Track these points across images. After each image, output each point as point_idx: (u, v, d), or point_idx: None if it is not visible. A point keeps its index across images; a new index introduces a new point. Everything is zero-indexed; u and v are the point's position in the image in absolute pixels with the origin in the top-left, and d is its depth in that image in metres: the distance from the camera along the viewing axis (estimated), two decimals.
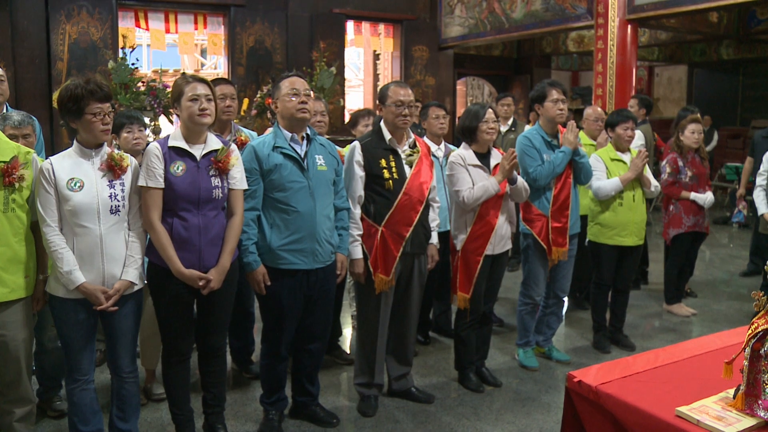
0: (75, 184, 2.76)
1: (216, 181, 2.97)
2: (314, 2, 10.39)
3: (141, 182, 2.88)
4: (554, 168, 4.10)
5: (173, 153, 2.93)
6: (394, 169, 3.53)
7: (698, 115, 5.63)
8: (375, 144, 3.58)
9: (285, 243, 3.20)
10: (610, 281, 4.73)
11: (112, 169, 2.84)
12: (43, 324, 3.37)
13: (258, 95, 8.50)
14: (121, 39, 8.76)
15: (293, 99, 3.23)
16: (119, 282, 2.83)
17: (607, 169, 4.58)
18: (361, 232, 3.54)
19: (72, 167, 2.80)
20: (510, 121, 6.79)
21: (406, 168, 3.58)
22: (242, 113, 8.28)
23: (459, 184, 3.80)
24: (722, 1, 7.36)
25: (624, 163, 4.60)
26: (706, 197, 5.35)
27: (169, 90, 7.23)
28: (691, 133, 5.27)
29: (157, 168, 2.87)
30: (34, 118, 3.55)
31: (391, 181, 3.51)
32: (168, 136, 3.01)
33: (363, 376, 3.73)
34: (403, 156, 3.60)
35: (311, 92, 3.35)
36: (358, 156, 3.52)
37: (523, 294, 4.36)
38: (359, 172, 3.52)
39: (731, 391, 1.99)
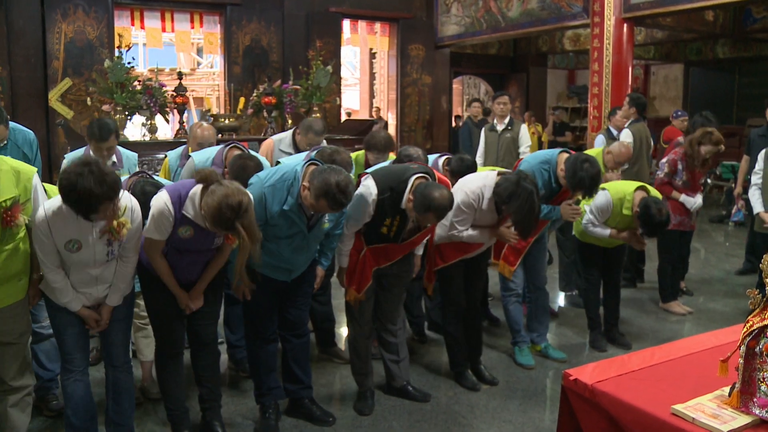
0: (73, 246, 2.76)
1: (218, 241, 3.03)
2: (310, 1, 10.40)
3: (148, 234, 2.90)
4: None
5: (185, 217, 2.89)
6: (393, 228, 3.50)
7: (719, 133, 5.50)
8: (389, 203, 3.41)
9: (265, 261, 3.18)
10: (600, 276, 4.76)
11: (110, 237, 2.81)
12: (37, 315, 3.39)
13: (254, 94, 8.47)
14: (117, 38, 8.75)
15: (326, 208, 3.04)
16: (105, 309, 2.93)
17: (609, 217, 4.45)
18: (350, 248, 3.57)
19: (69, 227, 2.72)
20: (506, 120, 6.79)
21: (410, 223, 3.51)
22: (238, 112, 8.26)
23: (459, 223, 3.77)
24: (718, 0, 7.37)
25: (630, 218, 4.41)
26: (696, 201, 5.41)
27: (165, 89, 7.21)
28: (707, 150, 5.24)
29: (168, 228, 2.88)
30: (32, 132, 3.51)
31: (386, 229, 3.50)
32: (182, 196, 2.89)
33: (358, 368, 3.78)
34: (411, 217, 3.46)
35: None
36: (370, 208, 3.42)
37: (502, 287, 4.43)
38: (365, 218, 3.46)
39: (727, 389, 2.00)
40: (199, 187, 2.83)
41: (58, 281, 2.81)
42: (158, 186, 3.12)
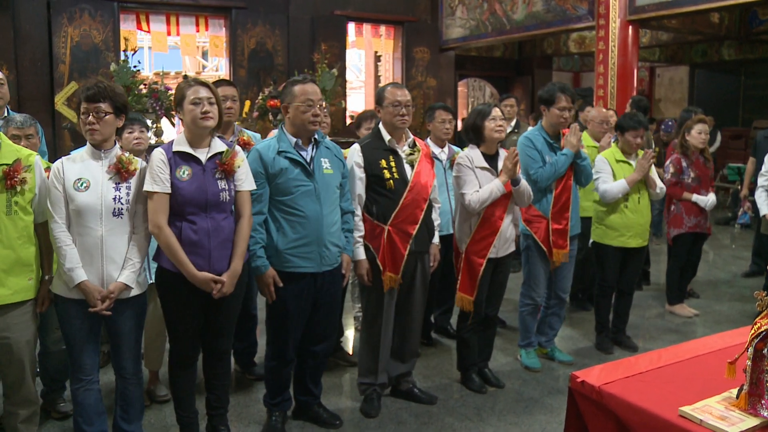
0: (81, 185, 2.79)
1: (222, 184, 2.96)
2: (315, 4, 10.41)
3: (147, 187, 2.86)
4: (556, 170, 4.10)
5: (178, 158, 2.92)
6: (394, 169, 3.54)
7: (704, 115, 5.59)
8: (374, 145, 3.59)
9: (291, 246, 3.20)
10: (614, 283, 4.73)
11: (119, 172, 2.85)
12: (47, 326, 3.38)
13: (259, 97, 8.51)
14: (122, 41, 8.77)
15: (308, 110, 3.20)
16: (114, 284, 2.83)
17: (612, 171, 4.58)
18: (362, 234, 3.55)
19: (81, 168, 2.83)
20: (513, 122, 6.79)
21: (407, 167, 3.59)
22: (244, 115, 8.28)
23: (465, 187, 3.78)
24: (723, 2, 7.36)
25: (629, 164, 4.59)
26: (708, 199, 5.34)
27: (171, 92, 7.24)
28: (698, 134, 5.26)
29: (163, 173, 2.87)
30: (37, 121, 3.57)
31: (392, 181, 3.52)
32: (172, 141, 3.00)
33: (367, 376, 3.74)
34: (403, 156, 3.61)
35: (323, 101, 3.33)
36: (358, 158, 3.53)
37: (523, 295, 4.36)
38: (359, 174, 3.52)
39: (734, 391, 1.99)
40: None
41: (65, 240, 2.78)
42: None
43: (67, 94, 8.87)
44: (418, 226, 3.58)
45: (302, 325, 3.36)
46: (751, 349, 1.89)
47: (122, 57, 8.14)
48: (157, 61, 13.17)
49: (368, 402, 3.72)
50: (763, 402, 1.86)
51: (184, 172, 2.90)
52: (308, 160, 3.26)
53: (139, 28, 9.55)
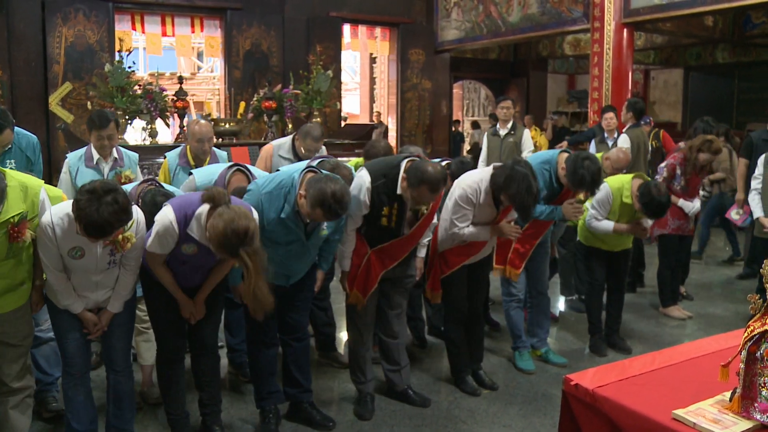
0: (76, 253, 2.77)
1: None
2: (311, 6, 10.41)
3: (151, 248, 2.87)
4: (537, 215, 4.05)
5: (189, 236, 2.87)
6: (393, 218, 3.49)
7: (720, 143, 5.48)
8: (384, 190, 3.42)
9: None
10: (603, 280, 4.75)
11: (114, 249, 2.81)
12: (37, 318, 3.38)
13: (255, 98, 8.48)
14: (117, 42, 8.74)
15: (321, 217, 3.02)
16: (104, 314, 2.93)
17: (611, 208, 4.49)
18: (353, 248, 3.56)
19: (74, 236, 2.71)
20: (509, 125, 6.80)
21: (409, 213, 3.54)
22: (239, 116, 8.26)
23: (458, 220, 3.74)
24: (718, 5, 7.39)
25: (631, 207, 4.47)
26: (693, 206, 5.42)
27: (165, 93, 7.21)
28: (706, 159, 5.24)
29: (171, 245, 2.87)
30: (35, 136, 3.57)
31: (386, 223, 3.49)
32: (187, 215, 2.84)
33: (356, 375, 3.79)
34: (407, 200, 3.46)
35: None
36: (365, 197, 3.41)
37: (504, 292, 4.42)
38: (363, 210, 3.45)
39: (727, 394, 1.99)
40: (205, 208, 2.78)
41: (60, 284, 2.82)
42: (169, 196, 3.09)
43: (61, 95, 8.84)
44: (397, 262, 3.62)
45: (277, 307, 3.29)
46: (744, 352, 1.89)
47: (117, 58, 8.11)
48: (152, 62, 13.17)
49: (362, 404, 3.72)
50: (756, 405, 1.87)
51: (190, 248, 2.90)
52: (307, 230, 3.22)
53: (134, 28, 9.53)
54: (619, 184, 4.51)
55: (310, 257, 3.39)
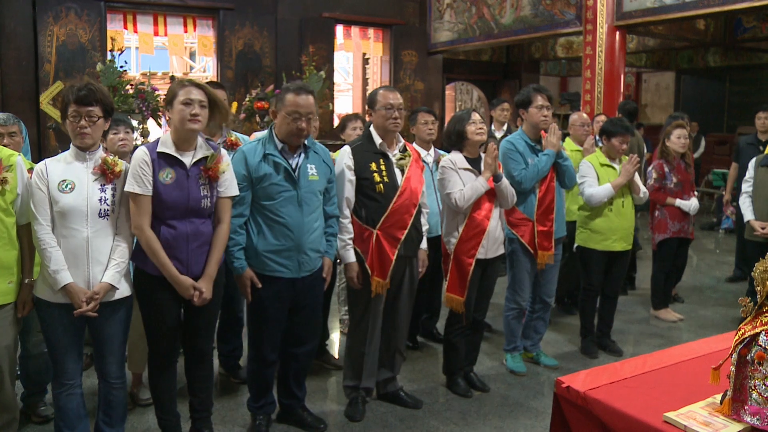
0: (66, 186, 2.75)
1: (205, 191, 2.94)
2: (304, 6, 10.39)
3: (129, 188, 2.83)
4: (538, 171, 4.11)
5: (162, 160, 2.88)
6: (384, 173, 3.53)
7: (683, 120, 5.64)
8: (365, 148, 3.57)
9: (270, 250, 3.19)
10: (599, 286, 4.74)
11: (105, 173, 2.82)
12: (29, 329, 3.33)
13: (247, 99, 8.47)
14: (109, 41, 8.70)
15: (293, 122, 3.17)
16: (99, 285, 2.80)
17: (597, 175, 4.60)
18: (352, 236, 3.53)
19: (65, 169, 2.79)
20: (505, 127, 6.83)
21: (397, 172, 3.58)
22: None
23: (450, 187, 3.79)
24: (709, 9, 7.42)
25: (614, 168, 4.62)
26: (691, 203, 5.39)
27: (157, 93, 7.19)
28: (677, 138, 5.30)
29: (146, 174, 2.84)
30: (21, 120, 3.54)
31: (381, 185, 3.51)
32: (157, 141, 2.96)
33: (351, 379, 3.73)
34: (393, 160, 3.60)
35: (314, 114, 3.27)
36: (348, 160, 3.52)
37: (508, 299, 4.36)
38: (349, 176, 3.50)
39: (718, 397, 2.00)
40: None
41: (49, 242, 2.74)
42: None
43: (52, 94, 8.76)
44: (407, 231, 3.56)
45: (281, 328, 3.34)
46: (735, 355, 1.90)
47: (109, 57, 8.08)
48: (144, 62, 13.11)
49: (353, 406, 3.71)
50: (746, 408, 1.87)
51: (168, 176, 2.87)
52: (294, 166, 3.23)
53: (126, 28, 9.48)
54: (590, 157, 4.77)
55: (311, 212, 3.26)
